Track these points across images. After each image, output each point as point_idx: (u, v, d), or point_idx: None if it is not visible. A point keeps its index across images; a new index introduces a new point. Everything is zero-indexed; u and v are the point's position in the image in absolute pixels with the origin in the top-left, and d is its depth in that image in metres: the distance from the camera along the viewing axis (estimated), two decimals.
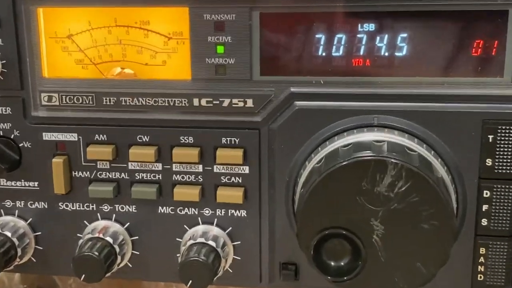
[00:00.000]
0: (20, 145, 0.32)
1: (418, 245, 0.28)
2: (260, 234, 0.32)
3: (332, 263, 0.28)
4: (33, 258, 0.33)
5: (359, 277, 0.28)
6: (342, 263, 0.28)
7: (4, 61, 0.32)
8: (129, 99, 0.31)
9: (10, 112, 0.32)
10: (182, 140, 0.31)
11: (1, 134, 0.33)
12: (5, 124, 0.32)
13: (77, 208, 0.33)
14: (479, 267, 0.30)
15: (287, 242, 0.31)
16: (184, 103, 0.31)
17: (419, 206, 0.27)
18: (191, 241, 0.31)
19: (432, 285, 0.31)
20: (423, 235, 0.27)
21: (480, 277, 0.30)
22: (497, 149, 0.28)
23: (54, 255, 0.33)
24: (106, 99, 0.32)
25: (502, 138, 0.28)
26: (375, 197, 0.27)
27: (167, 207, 0.32)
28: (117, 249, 0.32)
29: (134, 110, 0.32)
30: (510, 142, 0.28)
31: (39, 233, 0.33)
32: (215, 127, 0.31)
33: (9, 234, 0.32)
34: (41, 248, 0.33)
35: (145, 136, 0.31)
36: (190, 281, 0.30)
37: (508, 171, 0.29)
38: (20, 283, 0.40)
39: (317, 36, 0.30)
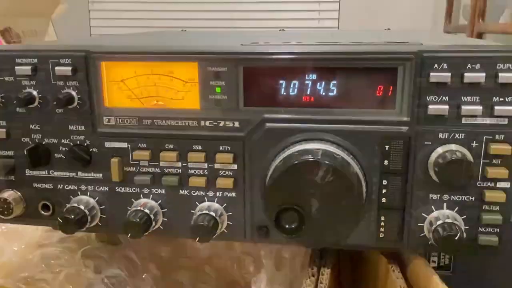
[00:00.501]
0: (90, 150, 0.34)
1: (339, 215, 0.30)
2: (244, 207, 0.34)
3: (287, 226, 0.30)
4: (99, 223, 0.35)
5: (303, 234, 0.30)
6: (293, 226, 0.30)
7: (80, 96, 0.33)
8: (160, 121, 0.33)
9: (84, 129, 0.34)
10: (194, 148, 0.33)
11: (78, 143, 0.34)
12: (81, 136, 0.34)
13: (127, 191, 0.35)
14: (381, 228, 0.32)
15: (261, 213, 0.33)
16: (195, 124, 0.33)
17: (341, 190, 0.29)
18: (199, 212, 0.33)
19: (351, 240, 0.32)
20: (343, 209, 0.30)
21: (381, 235, 0.32)
22: (391, 154, 0.31)
23: (112, 221, 0.35)
24: (145, 120, 0.34)
25: (393, 147, 0.31)
26: (313, 184, 0.29)
27: (185, 190, 0.34)
28: (152, 217, 0.33)
29: (163, 128, 0.33)
30: (398, 150, 0.31)
31: (103, 207, 0.35)
32: (215, 139, 0.33)
33: (82, 207, 0.34)
34: (104, 216, 0.35)
35: (170, 145, 0.33)
36: (198, 237, 0.32)
37: (397, 168, 0.31)
38: (95, 239, 0.42)
39: (280, 81, 0.32)
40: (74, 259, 0.41)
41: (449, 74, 0.29)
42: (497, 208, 0.31)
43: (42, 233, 0.44)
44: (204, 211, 0.33)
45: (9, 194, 0.36)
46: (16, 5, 1.02)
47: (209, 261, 0.48)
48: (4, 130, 0.35)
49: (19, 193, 0.36)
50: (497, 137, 0.30)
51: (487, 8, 1.68)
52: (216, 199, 0.34)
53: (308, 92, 0.32)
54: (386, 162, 0.31)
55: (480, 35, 1.68)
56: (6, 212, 0.35)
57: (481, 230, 0.31)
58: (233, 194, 0.34)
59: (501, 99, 0.29)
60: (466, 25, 1.78)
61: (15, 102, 0.34)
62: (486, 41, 0.33)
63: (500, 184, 0.31)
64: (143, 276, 0.44)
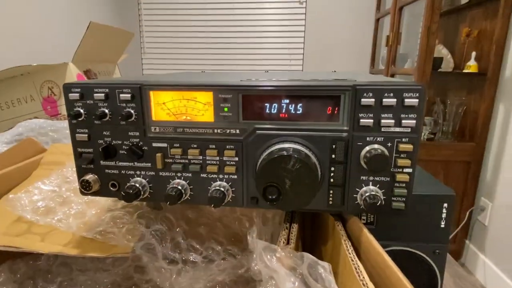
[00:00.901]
0: (143, 148, 0.34)
1: (303, 189, 0.29)
2: (242, 185, 0.33)
3: (270, 197, 0.30)
4: (148, 195, 0.35)
5: (280, 202, 0.30)
6: (274, 197, 0.30)
7: (136, 113, 0.33)
8: (187, 129, 0.33)
9: (138, 134, 0.34)
10: (210, 147, 0.33)
11: (135, 143, 0.34)
12: (136, 139, 0.34)
13: (167, 174, 0.34)
14: (330, 198, 0.32)
15: (253, 188, 0.33)
16: (211, 131, 0.33)
17: (304, 174, 0.29)
18: (213, 188, 0.33)
19: (311, 205, 0.32)
20: (306, 185, 0.29)
21: (330, 202, 0.32)
22: (335, 150, 0.31)
23: (157, 194, 0.34)
24: (178, 129, 0.33)
25: (338, 146, 0.31)
26: (287, 170, 0.29)
27: (204, 174, 0.33)
28: (183, 192, 0.33)
29: (190, 134, 0.33)
30: (341, 148, 0.31)
31: (151, 185, 0.35)
32: (223, 141, 0.33)
33: (138, 185, 0.34)
34: (152, 191, 0.35)
35: (194, 144, 0.33)
36: (213, 204, 0.32)
37: (340, 159, 0.31)
38: (146, 205, 0.41)
39: (265, 104, 0.31)
40: (132, 219, 0.40)
41: (373, 99, 0.29)
42: (404, 185, 0.31)
43: (111, 202, 0.43)
44: (216, 187, 0.33)
45: (90, 177, 0.35)
46: (94, 54, 1.01)
47: (220, 220, 0.48)
48: (87, 135, 0.34)
49: (96, 176, 0.35)
50: (403, 139, 0.30)
51: (396, 58, 1.69)
52: (224, 179, 0.34)
53: (283, 111, 0.32)
54: (333, 156, 0.31)
55: (392, 76, 1.69)
56: (87, 189, 0.35)
57: (394, 199, 0.31)
58: (235, 177, 0.33)
59: (406, 115, 0.29)
60: (383, 69, 1.79)
61: (93, 117, 0.34)
62: (397, 79, 0.33)
63: (405, 170, 0.31)
64: (177, 230, 0.43)
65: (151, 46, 2.25)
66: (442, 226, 0.40)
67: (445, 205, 0.40)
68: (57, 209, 0.40)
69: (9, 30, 1.32)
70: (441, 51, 1.58)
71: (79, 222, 0.38)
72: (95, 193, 0.36)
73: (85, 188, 0.35)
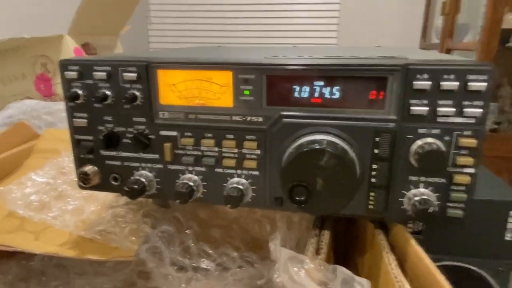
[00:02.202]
0: (149, 136, 0.34)
1: (338, 191, 0.29)
2: (264, 183, 0.33)
3: (297, 198, 0.29)
4: (155, 191, 0.35)
5: (309, 205, 0.29)
6: (302, 198, 0.29)
7: (142, 95, 0.33)
8: (201, 116, 0.33)
9: (144, 120, 0.34)
10: (227, 136, 0.33)
11: (140, 131, 0.34)
12: (142, 126, 0.34)
13: (176, 168, 0.34)
14: (370, 202, 0.32)
15: (277, 187, 0.33)
16: (228, 118, 0.32)
17: (339, 172, 0.29)
18: (230, 185, 0.33)
19: (347, 210, 0.31)
20: (341, 186, 0.29)
21: (370, 207, 0.32)
22: (380, 144, 0.30)
23: (165, 191, 0.35)
24: (190, 115, 0.33)
25: (382, 139, 0.30)
26: (319, 166, 0.29)
27: (220, 169, 0.33)
28: (195, 188, 0.33)
29: (203, 121, 0.33)
30: (386, 141, 0.30)
31: (158, 179, 0.35)
32: (243, 130, 0.32)
33: (143, 179, 0.34)
34: (159, 187, 0.35)
35: (209, 134, 0.33)
36: (229, 205, 0.32)
37: (384, 155, 0.30)
38: (152, 202, 0.42)
39: (294, 86, 0.31)
40: (136, 217, 0.41)
41: (429, 82, 0.28)
42: (463, 188, 0.30)
43: (113, 197, 0.44)
44: (234, 185, 0.33)
45: (89, 169, 0.36)
46: (94, 26, 1.02)
47: (236, 221, 0.48)
48: (86, 120, 0.35)
49: (96, 168, 0.36)
50: (465, 133, 0.29)
51: (454, 30, 1.62)
52: (243, 176, 0.34)
53: (316, 95, 0.31)
54: (376, 151, 0.30)
55: (448, 51, 1.63)
56: (86, 182, 0.36)
57: (449, 205, 0.30)
58: (256, 173, 0.33)
59: (469, 103, 0.28)
60: (437, 44, 1.73)
61: (93, 99, 0.34)
62: (457, 57, 0.32)
63: (466, 170, 0.29)
64: (187, 232, 0.44)
65: (158, 15, 2.26)
66: (508, 238, 0.39)
67: (511, 212, 0.38)
68: (52, 204, 0.41)
69: None
70: (511, 21, 1.50)
71: (76, 219, 0.39)
72: (94, 187, 0.37)
73: (83, 181, 0.36)
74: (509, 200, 0.39)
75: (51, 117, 0.73)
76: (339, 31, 2.12)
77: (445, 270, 0.40)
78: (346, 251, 0.44)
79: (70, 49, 0.93)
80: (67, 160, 0.48)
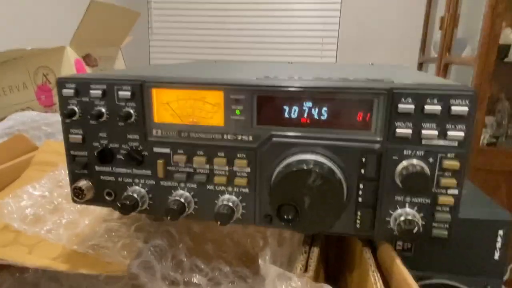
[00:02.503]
0: (143, 153, 0.35)
1: (325, 210, 0.30)
2: (254, 200, 0.34)
3: (285, 217, 0.30)
4: (147, 207, 0.36)
5: (297, 223, 0.30)
6: (290, 217, 0.30)
7: (136, 113, 0.34)
8: (194, 134, 0.34)
9: (138, 137, 0.35)
10: (218, 154, 0.33)
11: (134, 148, 0.35)
12: (136, 143, 0.35)
13: (168, 184, 0.35)
14: (357, 221, 0.32)
15: (267, 205, 0.33)
16: (220, 137, 0.33)
17: (327, 191, 0.29)
18: (221, 202, 0.33)
19: (335, 228, 0.32)
20: (328, 205, 0.30)
21: (358, 226, 0.32)
22: (366, 165, 0.31)
23: (157, 206, 0.36)
24: (183, 133, 0.34)
25: (369, 159, 0.30)
26: (306, 186, 0.29)
27: (211, 186, 0.34)
28: (186, 205, 0.34)
29: (196, 139, 0.34)
30: (372, 162, 0.30)
31: (150, 195, 0.36)
32: (234, 149, 0.33)
33: (135, 195, 0.35)
34: (151, 202, 0.36)
35: (201, 152, 0.34)
36: (219, 222, 0.33)
37: (371, 175, 0.31)
38: (145, 217, 0.43)
39: (284, 107, 0.32)
40: (129, 232, 0.42)
41: (413, 106, 0.29)
42: (447, 209, 0.31)
43: (107, 211, 0.45)
44: (224, 202, 0.33)
45: (83, 183, 0.36)
46: (94, 37, 1.04)
47: (229, 236, 0.49)
48: (81, 136, 0.36)
49: (90, 183, 0.37)
50: (448, 155, 0.29)
51: (453, 44, 1.64)
52: (234, 193, 0.34)
53: (305, 115, 0.32)
54: (363, 171, 0.31)
55: (446, 66, 1.65)
56: (80, 197, 0.36)
57: (434, 225, 0.31)
58: (247, 190, 0.34)
59: (452, 126, 0.29)
60: (436, 57, 1.74)
61: (89, 116, 0.35)
62: (446, 80, 0.33)
63: (450, 191, 0.30)
64: (180, 246, 0.44)
65: (160, 26, 2.29)
66: (496, 258, 0.39)
67: (500, 232, 0.39)
68: (47, 217, 0.42)
69: (1, 9, 1.38)
70: (508, 36, 1.52)
71: (70, 233, 0.40)
72: (88, 202, 0.37)
73: (77, 196, 0.36)
74: (499, 220, 0.39)
75: (50, 128, 0.74)
76: (340, 42, 2.14)
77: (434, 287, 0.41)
78: (338, 265, 0.45)
79: (71, 60, 0.95)
80: (64, 173, 0.49)
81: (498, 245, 0.39)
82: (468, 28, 1.81)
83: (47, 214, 0.42)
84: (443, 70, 1.67)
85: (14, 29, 1.43)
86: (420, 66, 2.01)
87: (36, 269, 0.44)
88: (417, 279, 0.41)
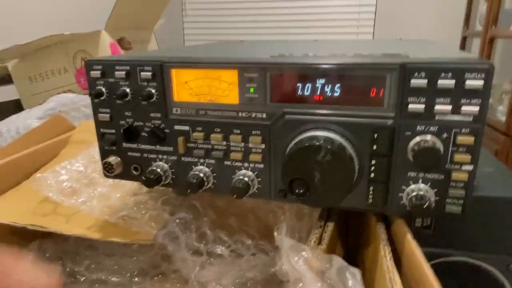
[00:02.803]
0: (165, 130, 0.37)
1: (335, 184, 0.30)
2: (269, 176, 0.35)
3: (297, 190, 0.31)
4: (170, 181, 0.38)
5: (308, 197, 0.31)
6: (301, 191, 0.31)
7: (157, 93, 0.36)
8: (211, 112, 0.35)
9: (160, 116, 0.36)
10: (234, 131, 0.34)
11: (156, 125, 0.37)
12: (158, 121, 0.36)
13: (189, 160, 0.37)
14: (369, 196, 0.33)
15: (280, 180, 0.34)
16: (235, 114, 0.34)
17: (336, 167, 0.30)
18: (237, 177, 0.35)
19: (347, 203, 0.33)
20: (338, 180, 0.30)
21: (370, 201, 0.33)
22: (378, 140, 0.31)
23: (179, 180, 0.37)
24: (201, 111, 0.35)
25: (381, 135, 0.30)
26: (317, 161, 0.30)
27: (228, 161, 0.35)
28: (205, 179, 0.36)
29: (213, 116, 0.35)
30: (385, 137, 0.30)
31: (173, 170, 0.37)
32: (249, 126, 0.34)
33: (159, 170, 0.37)
34: (174, 177, 0.38)
35: (218, 129, 0.35)
36: (235, 195, 0.34)
37: (383, 151, 0.31)
38: (171, 190, 0.45)
39: (297, 84, 0.32)
40: (156, 204, 0.44)
41: (426, 81, 0.28)
42: (462, 185, 0.30)
43: (137, 185, 0.48)
44: (240, 177, 0.35)
45: (112, 159, 0.39)
46: (128, 21, 1.07)
47: (252, 211, 0.50)
48: (108, 115, 0.38)
49: (119, 158, 0.39)
50: (463, 130, 0.29)
51: (500, 17, 1.53)
52: (249, 168, 0.36)
53: (318, 92, 0.32)
54: (375, 147, 0.31)
55: (492, 40, 1.54)
56: (110, 171, 0.39)
57: (448, 201, 0.31)
58: (262, 166, 0.35)
59: (467, 101, 0.28)
60: (481, 31, 1.64)
61: (114, 96, 0.37)
62: (466, 54, 0.31)
63: (464, 167, 0.30)
64: (204, 219, 0.46)
65: (194, 7, 2.30)
66: None
67: None
68: (82, 190, 0.45)
69: None
70: None
71: (103, 205, 0.43)
72: (118, 176, 0.40)
73: (108, 170, 0.39)
74: None
75: (89, 110, 0.78)
76: (378, 17, 2.06)
77: (454, 266, 0.41)
78: (357, 242, 0.45)
79: (106, 44, 0.99)
80: (98, 150, 0.52)
81: None
82: None
83: (83, 187, 0.46)
84: (489, 44, 1.57)
85: (53, 15, 1.50)
86: (464, 41, 1.90)
87: (76, 238, 0.48)
88: (436, 256, 0.41)
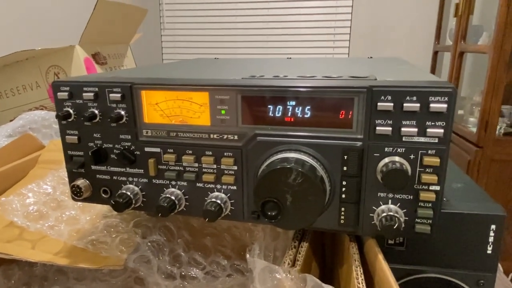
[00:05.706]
0: (135, 152, 0.36)
1: (307, 206, 0.30)
2: (242, 197, 0.35)
3: (269, 213, 0.31)
4: (141, 204, 0.37)
5: (280, 220, 0.31)
6: (273, 213, 0.31)
7: (127, 114, 0.35)
8: (182, 133, 0.35)
9: (130, 138, 0.36)
10: (206, 153, 0.34)
11: (126, 147, 0.36)
12: (128, 143, 0.36)
13: (160, 182, 0.36)
14: (341, 216, 0.33)
15: (253, 202, 0.33)
16: (207, 136, 0.34)
17: (307, 189, 0.30)
18: (210, 199, 0.34)
19: (320, 224, 0.33)
20: (309, 202, 0.30)
21: (342, 221, 0.33)
22: (348, 162, 0.31)
23: (150, 204, 0.37)
24: (172, 133, 0.35)
25: (351, 157, 0.31)
26: (288, 184, 0.30)
27: (200, 183, 0.35)
28: (177, 202, 0.35)
29: (185, 138, 0.35)
30: (354, 159, 0.31)
31: (143, 193, 0.37)
32: (221, 148, 0.34)
33: (129, 193, 0.36)
34: (144, 199, 0.37)
35: (189, 151, 0.35)
36: (207, 219, 0.33)
37: (353, 172, 0.31)
38: (145, 213, 0.44)
39: (268, 106, 0.32)
40: (127, 227, 0.43)
41: (392, 104, 0.29)
42: (430, 205, 0.31)
43: (108, 207, 0.47)
44: (212, 199, 0.34)
45: (81, 182, 0.38)
46: (103, 35, 1.06)
47: (228, 230, 0.50)
48: (76, 137, 0.37)
49: (87, 182, 0.38)
50: (429, 151, 0.30)
51: (468, 32, 1.60)
52: (222, 190, 0.35)
53: (289, 114, 0.32)
54: (345, 168, 0.32)
55: (461, 54, 1.60)
56: (78, 195, 0.38)
57: (417, 221, 0.31)
58: (235, 188, 0.35)
59: (432, 123, 0.29)
60: (451, 45, 1.70)
61: (82, 118, 0.36)
62: (431, 76, 0.32)
63: (432, 187, 0.30)
64: (178, 241, 0.46)
65: (172, 21, 2.30)
66: (489, 251, 0.39)
67: (493, 227, 0.38)
68: (49, 214, 0.44)
69: (11, 10, 1.42)
70: None
71: (71, 229, 0.42)
72: (87, 199, 0.39)
73: (76, 194, 0.38)
74: (491, 214, 0.39)
75: None
76: (353, 34, 2.11)
77: (426, 282, 0.41)
78: (333, 262, 0.45)
79: (80, 59, 0.97)
80: None
81: (491, 239, 0.39)
82: (484, 14, 1.76)
83: (50, 211, 0.44)
84: (458, 58, 1.63)
85: (24, 30, 1.47)
86: (435, 55, 1.97)
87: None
88: (410, 273, 0.41)
